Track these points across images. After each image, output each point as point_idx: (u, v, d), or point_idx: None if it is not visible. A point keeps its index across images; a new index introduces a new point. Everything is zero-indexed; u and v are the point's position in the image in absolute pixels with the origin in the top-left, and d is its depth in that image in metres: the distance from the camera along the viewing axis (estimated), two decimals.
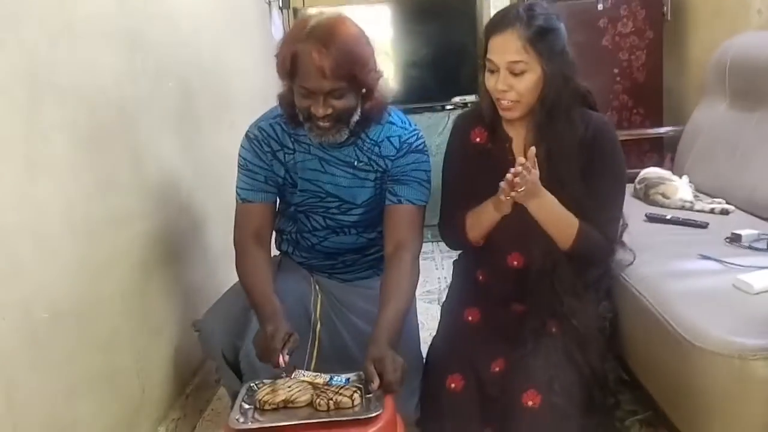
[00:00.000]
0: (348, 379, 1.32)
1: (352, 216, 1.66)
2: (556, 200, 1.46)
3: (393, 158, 1.60)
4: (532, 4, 1.50)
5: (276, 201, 1.68)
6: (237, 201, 1.64)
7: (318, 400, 1.24)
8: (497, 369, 1.60)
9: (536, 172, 1.41)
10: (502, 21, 1.47)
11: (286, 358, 1.33)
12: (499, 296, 1.68)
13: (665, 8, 3.13)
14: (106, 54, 1.58)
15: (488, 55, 1.49)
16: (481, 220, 1.56)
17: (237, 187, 1.64)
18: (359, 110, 1.52)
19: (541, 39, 1.43)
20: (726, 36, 2.52)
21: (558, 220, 1.48)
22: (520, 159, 1.39)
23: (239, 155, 1.64)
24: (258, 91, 2.89)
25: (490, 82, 1.50)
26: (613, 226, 1.56)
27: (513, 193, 1.41)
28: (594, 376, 1.56)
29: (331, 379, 1.31)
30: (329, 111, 1.46)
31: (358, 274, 1.79)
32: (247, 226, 1.62)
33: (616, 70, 3.13)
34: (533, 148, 1.42)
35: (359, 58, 1.44)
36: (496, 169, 1.53)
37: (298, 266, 1.79)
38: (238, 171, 1.64)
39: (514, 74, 1.45)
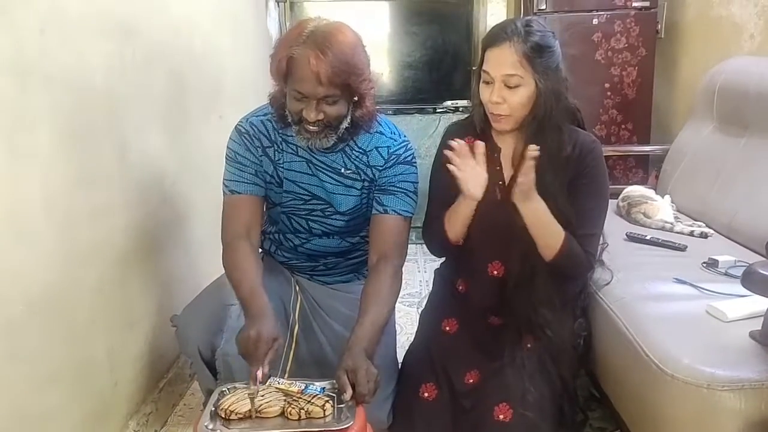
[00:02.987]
0: (323, 388, 1.31)
1: (336, 221, 1.66)
2: (547, 208, 1.47)
3: (381, 168, 1.60)
4: (530, 20, 1.51)
5: (264, 196, 1.66)
6: (225, 193, 1.61)
7: (290, 408, 1.23)
8: (471, 381, 1.61)
9: (533, 174, 1.43)
10: (500, 34, 1.47)
11: (266, 369, 1.31)
12: (477, 307, 1.69)
13: (659, 26, 3.15)
14: (95, 43, 1.55)
15: (484, 67, 1.50)
16: (457, 212, 1.56)
17: (224, 179, 1.62)
18: (349, 118, 1.52)
19: (537, 55, 1.45)
20: (718, 58, 2.54)
21: (547, 228, 1.49)
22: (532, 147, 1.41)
23: (228, 147, 1.62)
24: (250, 86, 2.87)
25: (485, 93, 1.51)
26: (594, 242, 1.57)
27: (517, 182, 1.42)
28: (565, 390, 1.58)
29: (306, 387, 1.30)
30: (320, 116, 1.46)
31: (339, 278, 1.79)
32: (236, 219, 1.59)
33: (607, 85, 3.15)
34: (535, 147, 1.42)
35: (355, 67, 1.44)
36: None
37: (279, 266, 1.79)
38: (226, 163, 1.62)
39: (509, 87, 1.47)
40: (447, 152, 1.46)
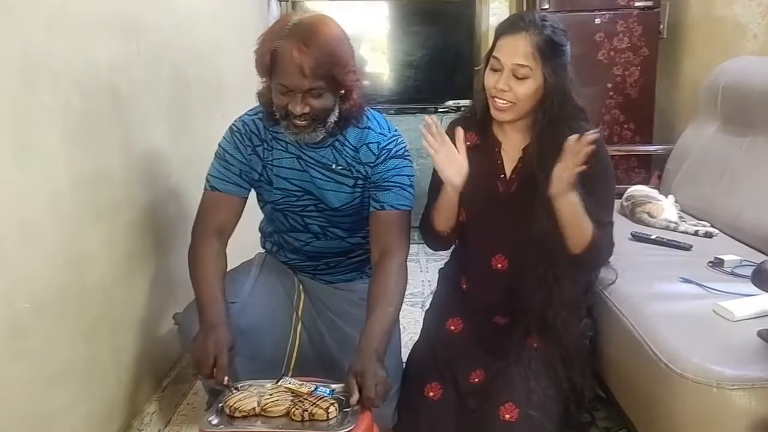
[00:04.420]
0: (333, 390, 1.29)
1: (330, 217, 1.65)
2: (579, 201, 1.44)
3: (372, 164, 1.59)
4: (546, 16, 1.52)
5: (245, 198, 1.65)
6: (205, 188, 1.60)
7: (294, 409, 1.22)
8: (476, 380, 1.61)
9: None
10: (517, 23, 1.48)
11: (224, 379, 1.32)
12: (482, 305, 1.68)
13: (662, 26, 3.15)
14: (101, 39, 1.55)
15: (495, 53, 1.49)
16: (440, 201, 1.55)
17: (209, 174, 1.61)
18: (337, 111, 1.51)
19: (549, 50, 1.45)
20: (720, 58, 2.53)
21: (580, 220, 1.46)
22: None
23: (219, 145, 1.62)
24: (252, 84, 2.85)
25: (491, 79, 1.50)
26: (611, 231, 1.55)
27: (558, 174, 1.39)
28: (572, 391, 1.57)
29: (316, 389, 1.28)
30: (306, 110, 1.45)
31: (341, 276, 1.78)
32: (211, 216, 1.58)
33: (609, 85, 3.15)
34: (594, 131, 1.39)
35: (339, 58, 1.43)
36: (483, 172, 1.54)
37: (282, 265, 1.78)
38: (214, 159, 1.62)
39: (517, 77, 1.46)
40: (421, 128, 1.46)
